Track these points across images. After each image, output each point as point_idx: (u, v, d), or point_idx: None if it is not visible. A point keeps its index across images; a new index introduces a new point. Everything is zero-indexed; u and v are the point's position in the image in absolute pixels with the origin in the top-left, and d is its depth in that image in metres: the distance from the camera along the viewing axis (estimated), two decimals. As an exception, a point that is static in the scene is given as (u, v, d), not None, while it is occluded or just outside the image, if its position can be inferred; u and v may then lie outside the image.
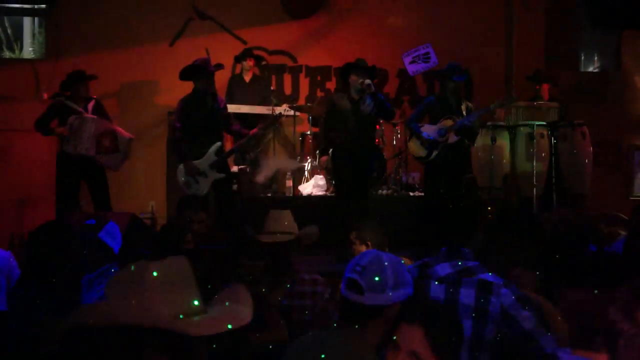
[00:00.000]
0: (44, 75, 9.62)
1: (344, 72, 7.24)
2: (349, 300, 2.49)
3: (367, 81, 6.99)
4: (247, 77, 9.54)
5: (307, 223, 4.59)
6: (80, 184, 7.74)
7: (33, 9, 10.14)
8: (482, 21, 10.35)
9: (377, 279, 2.46)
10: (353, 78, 7.09)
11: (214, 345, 2.54)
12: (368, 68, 7.14)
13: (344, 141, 7.21)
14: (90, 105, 7.73)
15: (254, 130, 7.45)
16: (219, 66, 7.66)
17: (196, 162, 7.33)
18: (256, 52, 9.90)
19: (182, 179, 7.40)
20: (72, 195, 7.71)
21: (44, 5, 9.66)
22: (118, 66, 9.78)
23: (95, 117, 7.62)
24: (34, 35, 10.38)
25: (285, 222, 4.36)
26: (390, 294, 2.44)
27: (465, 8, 10.38)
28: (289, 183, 8.88)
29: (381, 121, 8.70)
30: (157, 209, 9.51)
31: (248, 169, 8.77)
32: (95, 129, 7.58)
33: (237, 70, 9.81)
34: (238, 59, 9.77)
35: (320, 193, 8.72)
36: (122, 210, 7.76)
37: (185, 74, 7.49)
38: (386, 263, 2.50)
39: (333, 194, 8.38)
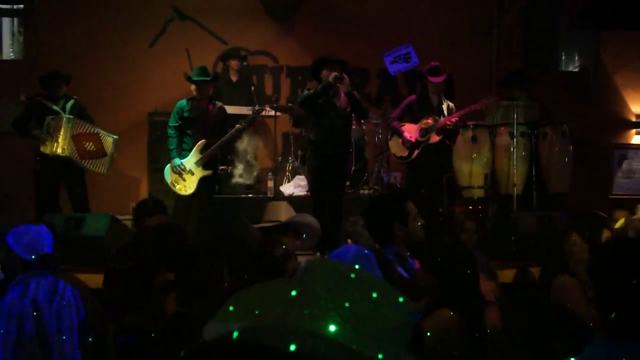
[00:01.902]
0: (23, 76, 9.53)
1: (315, 68, 7.20)
2: None
3: (334, 74, 6.92)
4: (234, 78, 9.55)
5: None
6: (59, 184, 7.69)
7: (12, 9, 10.06)
8: (463, 21, 10.39)
9: None
10: (324, 73, 7.06)
11: None
12: (338, 61, 7.12)
13: (317, 138, 7.18)
14: (69, 104, 7.68)
15: (242, 124, 7.54)
16: (217, 76, 7.77)
17: (183, 160, 7.40)
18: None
19: (169, 179, 7.45)
20: (52, 196, 7.66)
21: (21, 6, 9.58)
22: (98, 67, 9.71)
23: (72, 117, 7.56)
24: (13, 36, 10.30)
25: (282, 212, 4.41)
26: None
27: (446, 8, 10.40)
28: (271, 183, 8.87)
29: (362, 121, 8.70)
30: (138, 211, 9.44)
31: (229, 170, 8.76)
32: (73, 130, 7.53)
33: (219, 70, 9.78)
34: (223, 59, 9.76)
35: (301, 193, 8.71)
36: (102, 211, 7.72)
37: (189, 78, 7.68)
38: (348, 255, 2.48)
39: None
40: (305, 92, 7.32)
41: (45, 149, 7.47)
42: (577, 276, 4.74)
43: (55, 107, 7.56)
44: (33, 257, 3.53)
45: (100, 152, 7.69)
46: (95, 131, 7.70)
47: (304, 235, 4.63)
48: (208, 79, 7.57)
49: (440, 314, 2.93)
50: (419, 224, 3.81)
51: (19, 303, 3.41)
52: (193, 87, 7.74)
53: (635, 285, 2.06)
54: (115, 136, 7.85)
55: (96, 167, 7.69)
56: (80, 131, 7.59)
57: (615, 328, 2.06)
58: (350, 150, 7.80)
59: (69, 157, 7.50)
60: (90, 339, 3.71)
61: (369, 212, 3.96)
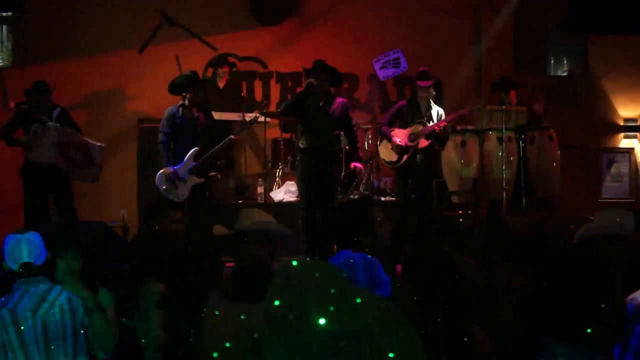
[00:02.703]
0: (12, 83, 9.51)
1: (306, 76, 7.31)
2: None
3: (310, 80, 7.03)
4: (221, 84, 9.54)
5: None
6: (47, 193, 7.68)
7: (1, 16, 10.03)
8: (452, 26, 10.42)
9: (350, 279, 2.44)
10: (310, 81, 7.14)
11: None
12: (328, 69, 7.18)
13: (307, 144, 7.22)
14: (55, 113, 7.69)
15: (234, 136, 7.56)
16: (206, 80, 7.74)
17: (176, 168, 7.38)
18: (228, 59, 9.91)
19: (162, 186, 7.44)
20: (41, 204, 7.65)
21: (10, 13, 9.55)
22: (87, 74, 9.69)
23: (57, 125, 7.56)
24: (2, 42, 10.26)
25: (254, 219, 4.33)
26: None
27: (435, 13, 10.43)
28: (261, 189, 8.87)
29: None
30: (129, 218, 9.43)
31: (219, 176, 8.77)
32: (59, 137, 7.53)
33: (209, 75, 9.78)
34: (213, 66, 9.76)
35: (292, 199, 8.71)
36: (93, 219, 7.70)
37: (173, 87, 7.60)
38: (358, 263, 2.46)
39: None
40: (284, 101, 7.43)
41: (31, 157, 7.47)
42: None
43: (42, 117, 7.56)
44: (17, 266, 3.51)
45: (88, 161, 7.70)
46: (82, 140, 7.70)
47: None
48: (204, 80, 7.60)
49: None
50: (387, 230, 3.84)
51: None
52: (187, 95, 7.67)
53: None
54: (102, 144, 7.84)
55: (84, 176, 7.70)
56: (67, 140, 7.59)
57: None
58: (340, 155, 7.82)
59: (56, 165, 7.51)
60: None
61: (335, 219, 3.98)
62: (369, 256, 2.56)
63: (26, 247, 3.53)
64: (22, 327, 3.42)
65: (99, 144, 7.82)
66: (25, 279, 3.52)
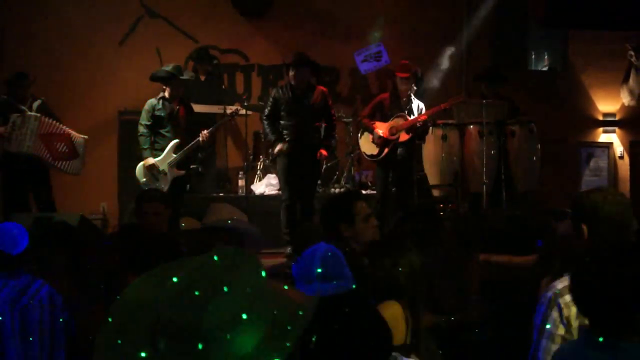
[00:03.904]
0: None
1: (287, 70, 7.32)
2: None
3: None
4: (203, 77, 9.52)
5: (261, 222, 4.58)
6: (27, 183, 7.63)
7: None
8: (433, 20, 10.44)
9: (306, 270, 2.47)
10: (291, 75, 7.17)
11: None
12: (308, 62, 7.21)
13: (288, 136, 7.24)
14: (36, 104, 7.63)
15: (204, 133, 7.49)
16: (188, 80, 7.74)
17: (156, 159, 7.36)
18: (209, 51, 9.88)
19: (142, 179, 7.42)
20: (21, 196, 7.60)
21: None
22: (66, 65, 9.61)
23: (38, 115, 7.51)
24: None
25: (223, 214, 4.30)
26: (318, 286, 2.42)
27: (416, 7, 10.46)
28: (241, 182, 8.87)
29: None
30: (109, 210, 9.39)
31: (200, 169, 8.75)
32: (39, 128, 7.47)
33: (189, 69, 9.74)
34: (194, 60, 9.73)
35: (273, 192, 8.72)
36: (72, 211, 7.65)
37: (155, 78, 7.59)
38: (318, 255, 2.50)
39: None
40: (263, 119, 7.56)
41: (10, 148, 7.41)
42: None
43: (21, 107, 7.50)
44: None
45: (72, 154, 7.65)
46: (67, 132, 7.65)
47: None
48: (187, 78, 7.61)
49: (388, 305, 3.02)
50: (373, 224, 3.85)
51: None
52: (167, 88, 7.64)
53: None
54: (85, 136, 7.80)
55: (69, 168, 7.66)
56: (49, 130, 7.53)
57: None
58: (319, 148, 7.85)
59: (37, 156, 7.46)
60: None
61: (320, 213, 4.00)
62: (334, 249, 2.57)
63: (2, 238, 3.49)
64: (1, 320, 3.39)
65: (81, 136, 7.78)
66: (6, 272, 3.48)
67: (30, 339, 3.43)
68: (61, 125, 7.68)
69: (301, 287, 2.46)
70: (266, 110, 7.51)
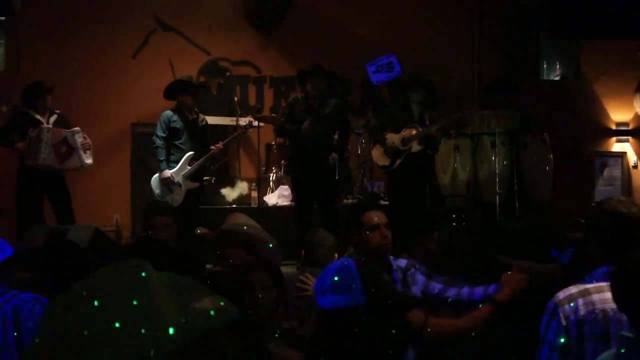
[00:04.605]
0: (4, 88, 9.49)
1: (300, 79, 7.32)
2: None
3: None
4: (214, 90, 9.57)
5: (274, 233, 4.55)
6: (42, 197, 7.68)
7: (-7, 21, 10.00)
8: (445, 30, 10.46)
9: (320, 282, 2.52)
10: (308, 85, 7.17)
11: None
12: (324, 72, 7.21)
13: (301, 149, 7.24)
14: (53, 118, 7.70)
15: (218, 144, 7.53)
16: (202, 84, 7.76)
17: (171, 171, 7.40)
18: (220, 64, 9.93)
19: (156, 190, 7.46)
20: (35, 209, 7.65)
21: (3, 18, 9.53)
22: (80, 78, 9.68)
23: (50, 126, 7.57)
24: (-6, 47, 10.24)
25: (240, 223, 4.29)
26: (328, 298, 2.45)
27: (428, 18, 10.48)
28: (254, 193, 8.88)
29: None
30: (122, 222, 9.43)
31: (213, 180, 8.77)
32: (52, 139, 7.54)
33: (201, 81, 9.79)
34: (206, 73, 9.79)
35: (285, 203, 8.73)
36: (85, 223, 7.69)
37: (169, 92, 7.67)
38: (331, 267, 2.53)
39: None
40: (281, 122, 7.51)
41: (28, 161, 7.50)
42: None
43: (37, 117, 7.58)
44: None
45: (69, 150, 7.66)
46: (62, 133, 7.66)
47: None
48: (201, 85, 7.66)
49: None
50: (380, 234, 3.86)
51: None
52: (184, 98, 7.66)
53: None
54: (75, 128, 7.77)
55: (71, 164, 7.65)
56: (58, 139, 7.60)
57: None
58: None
59: (50, 166, 7.52)
60: None
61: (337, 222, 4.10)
62: (349, 262, 2.58)
63: None
64: None
65: (74, 129, 7.76)
66: None
67: None
68: (62, 129, 7.71)
69: (318, 299, 2.50)
70: (281, 119, 7.51)
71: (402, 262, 3.95)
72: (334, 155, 7.41)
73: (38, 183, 7.60)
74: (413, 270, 3.85)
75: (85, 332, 1.27)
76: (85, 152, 7.69)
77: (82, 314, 1.30)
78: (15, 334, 3.34)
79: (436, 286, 3.83)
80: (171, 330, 1.29)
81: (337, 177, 8.27)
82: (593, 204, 3.50)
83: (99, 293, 1.33)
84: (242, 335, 1.59)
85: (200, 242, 4.63)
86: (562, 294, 2.76)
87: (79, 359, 1.26)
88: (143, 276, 1.36)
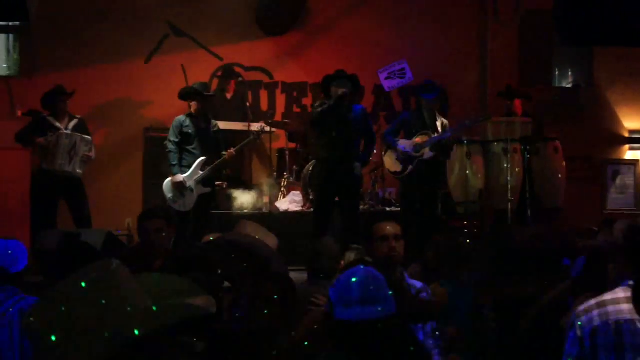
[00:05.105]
0: (18, 93, 9.56)
1: (324, 84, 7.24)
2: (329, 316, 2.45)
3: (342, 91, 6.98)
4: (228, 95, 9.60)
5: (285, 239, 4.55)
6: (57, 201, 7.75)
7: (7, 26, 10.07)
8: (457, 37, 10.46)
9: (344, 293, 2.40)
10: (333, 89, 7.10)
11: None
12: (348, 77, 7.16)
13: (326, 154, 7.20)
14: (72, 123, 7.80)
15: (231, 150, 7.56)
16: (212, 94, 7.81)
17: (183, 176, 7.44)
18: (233, 69, 9.98)
19: (169, 195, 7.50)
20: (50, 212, 7.72)
21: (17, 23, 9.60)
22: (93, 83, 9.73)
23: (68, 132, 7.65)
24: (8, 52, 10.31)
25: (247, 231, 4.27)
26: (358, 309, 2.36)
27: (440, 24, 10.47)
28: (266, 199, 8.88)
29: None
30: (134, 226, 9.43)
31: (224, 186, 8.79)
32: (69, 145, 7.63)
33: (214, 87, 9.82)
34: (219, 77, 9.82)
35: (296, 209, 8.73)
36: (97, 227, 7.73)
37: (183, 96, 7.71)
38: (356, 278, 2.43)
39: (310, 210, 8.39)
40: (316, 109, 7.28)
41: (45, 165, 7.65)
42: None
43: (57, 124, 7.71)
44: None
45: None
46: (74, 140, 7.76)
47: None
48: (212, 94, 7.70)
49: None
50: (387, 245, 3.87)
51: None
52: (193, 103, 7.71)
53: None
54: (88, 138, 7.90)
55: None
56: (73, 145, 7.67)
57: None
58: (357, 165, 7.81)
59: (67, 172, 7.60)
60: None
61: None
62: (374, 272, 2.51)
63: (2, 252, 3.54)
64: None
65: (85, 136, 7.87)
66: None
67: (2, 357, 3.42)
68: (76, 135, 7.78)
69: (339, 311, 2.39)
70: (313, 117, 7.42)
71: (418, 284, 3.93)
72: (358, 165, 7.31)
73: (55, 187, 7.72)
74: (425, 295, 3.83)
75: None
76: (80, 162, 7.74)
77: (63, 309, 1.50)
78: (20, 336, 3.42)
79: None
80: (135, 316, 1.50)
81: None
82: (628, 226, 3.56)
83: (75, 289, 1.52)
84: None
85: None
86: (582, 306, 2.83)
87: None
88: (112, 270, 1.57)
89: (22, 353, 3.47)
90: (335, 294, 2.43)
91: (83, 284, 1.50)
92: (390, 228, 3.94)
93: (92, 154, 7.89)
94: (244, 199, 8.75)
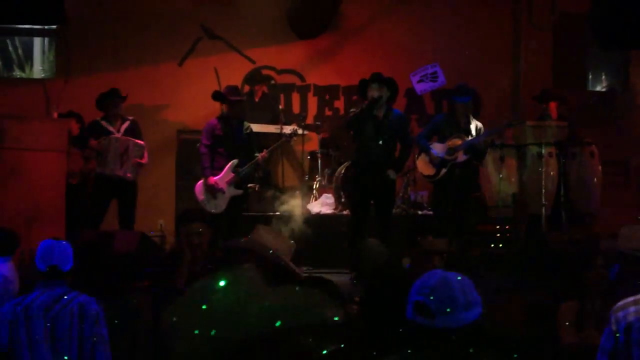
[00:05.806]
0: (54, 95, 9.69)
1: (361, 88, 7.24)
2: (418, 324, 2.34)
3: (371, 96, 7.01)
4: (257, 97, 9.64)
5: (316, 241, 4.56)
6: (108, 203, 7.99)
7: (44, 29, 10.23)
8: (490, 40, 10.39)
9: (447, 300, 2.33)
10: (370, 93, 7.10)
11: None
12: (384, 80, 7.14)
13: (363, 158, 7.20)
14: (124, 126, 7.93)
15: (263, 153, 7.60)
16: (240, 99, 7.85)
17: (215, 178, 7.50)
18: (265, 72, 10.02)
19: (201, 196, 7.54)
20: (99, 214, 7.94)
21: (54, 26, 9.74)
22: (127, 85, 9.74)
23: (118, 136, 7.84)
24: (44, 54, 10.47)
25: (262, 237, 4.22)
26: (462, 315, 2.31)
27: (473, 27, 10.42)
28: (298, 201, 8.89)
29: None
30: (166, 227, 9.52)
31: (257, 188, 8.82)
32: (120, 148, 7.82)
33: (246, 90, 9.88)
34: (249, 82, 9.89)
35: (328, 211, 8.73)
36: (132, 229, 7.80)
37: (216, 97, 7.81)
38: (454, 283, 2.38)
39: (342, 212, 8.40)
40: (350, 113, 7.32)
41: (98, 169, 7.90)
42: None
43: (110, 128, 7.90)
44: (44, 267, 3.76)
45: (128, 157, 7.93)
46: (127, 144, 7.88)
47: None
48: (243, 98, 7.74)
49: None
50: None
51: (11, 310, 3.69)
52: (224, 106, 7.79)
53: None
54: (141, 143, 8.03)
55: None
56: (124, 148, 7.80)
57: None
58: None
59: (120, 176, 7.73)
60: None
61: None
62: (461, 276, 2.47)
63: (57, 252, 3.79)
64: (33, 325, 3.65)
65: (138, 141, 8.03)
66: (46, 281, 3.76)
67: (58, 347, 3.65)
68: (129, 138, 7.90)
69: (442, 319, 2.32)
70: (346, 121, 7.44)
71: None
72: (392, 171, 7.28)
73: (108, 189, 7.92)
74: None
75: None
76: (132, 167, 7.86)
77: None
78: (79, 328, 3.69)
79: None
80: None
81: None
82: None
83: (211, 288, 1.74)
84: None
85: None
86: (620, 303, 2.92)
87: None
88: (247, 272, 1.77)
89: (80, 344, 3.69)
90: (435, 303, 2.33)
91: (222, 283, 1.68)
92: (434, 243, 4.05)
93: (144, 160, 8.01)
94: (275, 201, 8.77)
